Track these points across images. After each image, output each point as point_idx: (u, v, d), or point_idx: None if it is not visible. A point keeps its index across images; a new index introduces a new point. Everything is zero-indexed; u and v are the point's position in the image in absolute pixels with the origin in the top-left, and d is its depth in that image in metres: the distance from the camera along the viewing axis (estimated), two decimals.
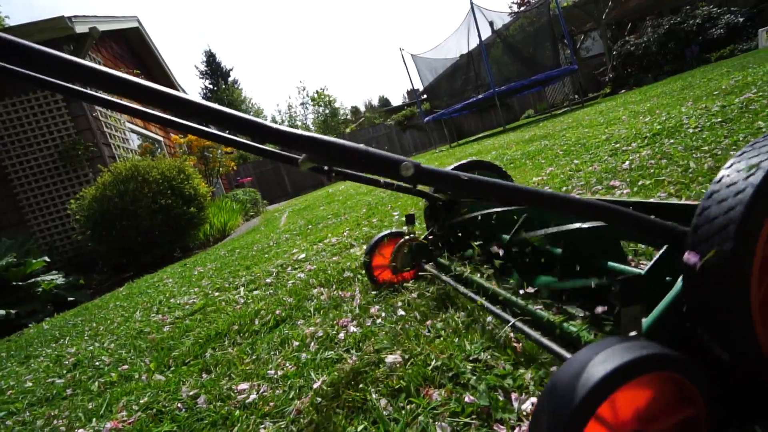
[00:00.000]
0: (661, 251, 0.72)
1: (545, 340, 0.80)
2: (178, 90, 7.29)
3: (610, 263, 0.95)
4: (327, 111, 27.40)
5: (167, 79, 11.25)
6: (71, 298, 4.73)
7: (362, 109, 36.54)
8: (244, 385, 1.18)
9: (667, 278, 0.73)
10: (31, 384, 1.90)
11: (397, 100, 41.99)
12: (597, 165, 2.65)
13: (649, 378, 0.51)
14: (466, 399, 0.84)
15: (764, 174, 0.56)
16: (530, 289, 1.06)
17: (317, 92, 27.72)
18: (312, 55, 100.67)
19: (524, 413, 0.77)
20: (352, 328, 1.34)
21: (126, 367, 1.72)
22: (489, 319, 1.11)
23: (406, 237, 1.55)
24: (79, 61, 0.55)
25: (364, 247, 2.46)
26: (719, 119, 2.69)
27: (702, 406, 0.54)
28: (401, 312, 1.34)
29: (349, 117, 29.79)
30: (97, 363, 1.90)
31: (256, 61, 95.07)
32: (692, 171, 1.90)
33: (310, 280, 2.09)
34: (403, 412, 0.87)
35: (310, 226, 4.25)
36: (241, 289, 2.46)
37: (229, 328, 1.75)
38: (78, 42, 6.53)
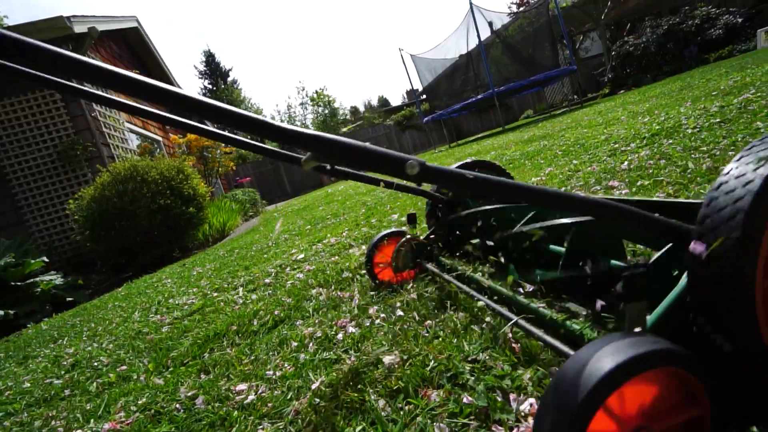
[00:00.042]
0: (664, 248, 0.72)
1: (549, 338, 0.80)
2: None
3: (612, 261, 0.95)
4: (326, 111, 27.41)
5: (166, 79, 11.24)
6: (70, 299, 4.72)
7: (361, 109, 36.58)
8: (242, 386, 1.18)
9: (669, 278, 0.73)
10: (29, 384, 1.90)
11: (396, 101, 42.03)
12: (596, 165, 2.65)
13: (654, 374, 0.51)
14: (465, 400, 0.83)
15: None
16: (529, 288, 1.06)
17: (316, 92, 27.76)
18: (311, 55, 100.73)
19: (522, 414, 0.77)
20: (351, 329, 1.34)
21: (124, 367, 1.71)
22: (488, 319, 1.11)
23: (407, 237, 1.56)
24: (90, 61, 0.55)
25: (363, 247, 2.47)
26: (718, 120, 2.69)
27: (707, 406, 0.54)
28: (400, 312, 1.34)
29: (348, 117, 29.80)
30: (96, 363, 1.90)
31: (256, 61, 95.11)
32: (691, 171, 1.90)
33: (308, 281, 2.09)
34: (402, 412, 0.87)
35: (309, 227, 4.25)
36: (240, 289, 2.46)
37: (227, 328, 1.75)
38: (77, 42, 6.52)
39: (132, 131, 8.28)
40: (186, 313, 2.30)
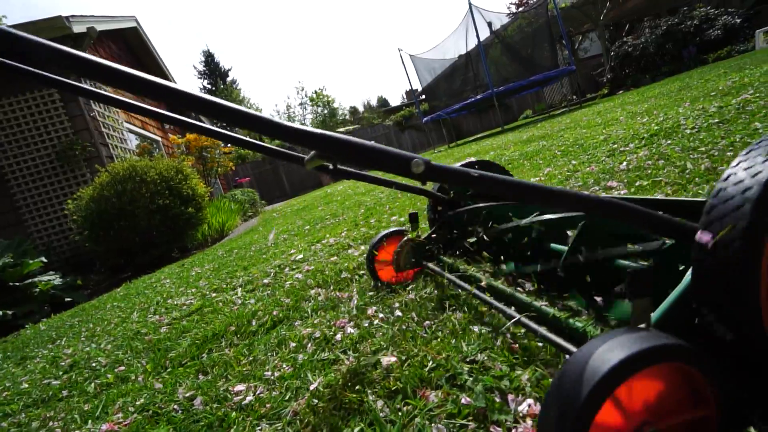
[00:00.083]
0: (662, 241, 0.73)
1: (552, 335, 0.80)
2: None
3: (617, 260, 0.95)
4: (325, 111, 27.40)
5: (165, 79, 11.22)
6: (68, 299, 4.71)
7: (361, 109, 36.56)
8: (240, 387, 1.18)
9: (672, 276, 0.73)
10: (27, 385, 1.89)
11: (395, 101, 42.06)
12: (595, 166, 2.65)
13: (659, 369, 0.52)
14: (463, 400, 0.83)
15: None
16: (529, 286, 1.06)
17: (316, 92, 27.76)
18: (311, 55, 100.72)
19: (520, 414, 0.77)
20: (350, 329, 1.34)
21: (123, 368, 1.71)
22: (487, 319, 1.11)
23: (409, 236, 1.56)
24: (88, 57, 0.55)
25: (362, 247, 2.46)
26: (716, 120, 2.69)
27: (713, 404, 0.54)
28: (398, 313, 1.34)
29: (347, 117, 29.78)
30: (94, 364, 1.89)
31: (255, 61, 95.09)
32: (689, 172, 1.90)
33: (307, 281, 2.09)
34: (400, 413, 0.87)
35: (308, 227, 4.25)
36: (239, 289, 2.45)
37: (226, 329, 1.75)
38: (76, 42, 6.51)
39: (131, 131, 8.27)
40: (184, 314, 2.29)
